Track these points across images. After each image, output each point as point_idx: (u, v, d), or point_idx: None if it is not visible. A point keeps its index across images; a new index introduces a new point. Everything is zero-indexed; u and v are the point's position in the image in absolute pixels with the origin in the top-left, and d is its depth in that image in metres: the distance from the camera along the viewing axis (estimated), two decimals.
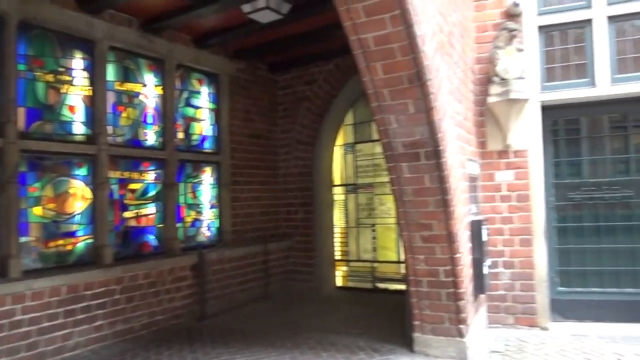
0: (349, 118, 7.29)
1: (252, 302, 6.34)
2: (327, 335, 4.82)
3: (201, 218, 6.12)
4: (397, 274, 6.84)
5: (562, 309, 4.99)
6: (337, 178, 7.41)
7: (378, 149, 6.80)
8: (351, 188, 7.30)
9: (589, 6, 4.85)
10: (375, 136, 6.75)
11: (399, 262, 6.80)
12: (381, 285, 7.00)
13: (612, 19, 4.78)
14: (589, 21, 4.85)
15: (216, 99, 6.38)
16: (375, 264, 7.08)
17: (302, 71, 7.08)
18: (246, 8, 4.81)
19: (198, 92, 6.20)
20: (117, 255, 5.01)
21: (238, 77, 6.60)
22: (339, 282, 7.30)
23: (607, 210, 4.94)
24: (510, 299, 4.98)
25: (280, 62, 6.99)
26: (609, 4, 4.78)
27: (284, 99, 7.29)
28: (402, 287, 5.70)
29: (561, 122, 5.12)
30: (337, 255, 7.32)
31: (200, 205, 6.13)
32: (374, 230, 7.11)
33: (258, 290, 6.59)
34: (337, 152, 7.39)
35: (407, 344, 4.31)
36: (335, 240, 7.29)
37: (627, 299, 4.85)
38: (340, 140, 7.38)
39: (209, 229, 6.22)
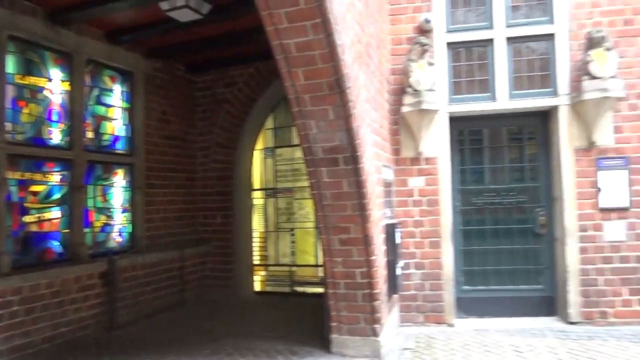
0: (270, 122, 7.31)
1: (167, 310, 6.11)
2: (245, 341, 4.78)
3: (112, 223, 5.80)
4: (316, 277, 6.95)
5: (466, 306, 5.37)
6: (256, 182, 7.38)
7: (298, 153, 6.88)
8: (271, 192, 7.31)
9: (490, 27, 5.29)
10: (296, 141, 6.83)
11: (317, 265, 6.92)
12: (299, 289, 7.07)
13: (510, 40, 5.25)
14: (490, 41, 5.29)
15: (130, 98, 6.09)
16: (294, 268, 7.14)
17: (222, 73, 6.98)
18: (164, 5, 4.67)
19: (110, 90, 5.88)
20: (16, 263, 4.60)
21: (154, 76, 6.36)
22: (257, 287, 7.26)
23: (505, 215, 5.40)
24: (420, 298, 5.25)
25: (199, 63, 6.85)
26: (508, 26, 5.25)
27: (202, 101, 7.14)
28: (320, 290, 5.80)
29: (466, 133, 5.52)
30: (256, 260, 7.28)
31: (111, 209, 5.81)
32: (293, 235, 7.17)
33: (173, 298, 6.37)
34: (257, 156, 7.37)
35: (325, 345, 4.39)
36: (254, 245, 7.25)
37: (522, 295, 5.33)
38: (260, 144, 7.37)
39: (120, 235, 5.90)
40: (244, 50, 6.34)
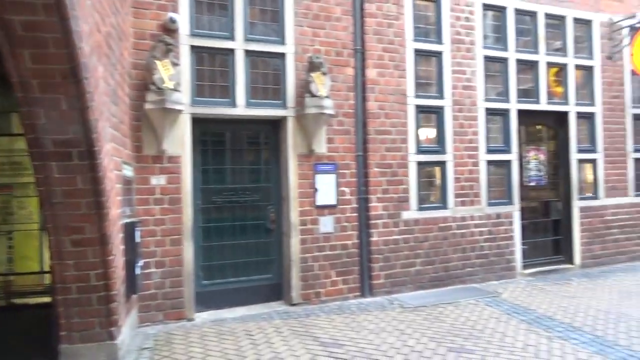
0: None
1: None
2: None
3: None
4: (40, 285, 6.14)
5: (205, 300, 5.64)
6: None
7: (19, 144, 5.99)
8: None
9: (232, 38, 5.70)
10: (16, 130, 5.92)
11: (42, 272, 6.14)
12: (19, 301, 6.12)
13: (248, 52, 5.77)
14: (232, 51, 5.70)
15: None
16: (12, 277, 6.15)
17: None
18: None
19: None
20: None
21: None
22: None
23: (242, 212, 5.91)
24: (160, 297, 5.27)
25: None
26: (247, 40, 5.76)
27: None
28: (47, 299, 5.20)
29: (209, 134, 5.81)
30: None
31: None
32: (10, 239, 6.17)
33: None
34: None
35: (54, 358, 4.00)
36: None
37: (255, 285, 5.92)
38: None
39: None
40: None
